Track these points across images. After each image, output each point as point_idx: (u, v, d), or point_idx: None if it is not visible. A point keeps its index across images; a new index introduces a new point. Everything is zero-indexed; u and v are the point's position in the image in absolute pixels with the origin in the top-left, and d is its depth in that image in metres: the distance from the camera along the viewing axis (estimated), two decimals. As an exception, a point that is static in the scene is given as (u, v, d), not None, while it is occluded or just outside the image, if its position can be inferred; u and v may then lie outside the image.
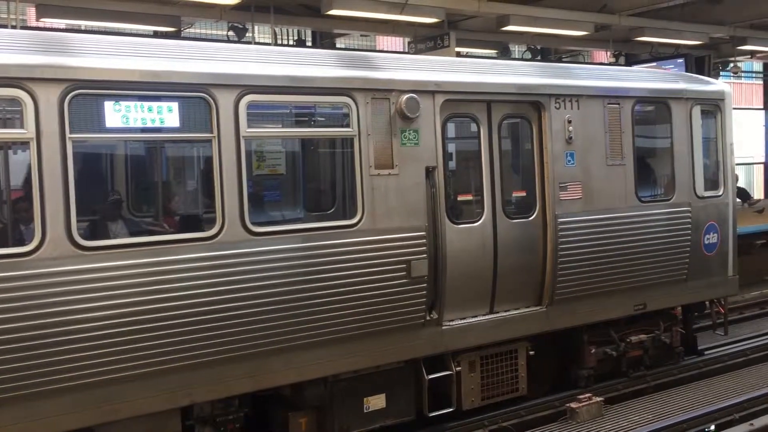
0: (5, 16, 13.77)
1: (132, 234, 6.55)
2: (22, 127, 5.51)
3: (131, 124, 5.94)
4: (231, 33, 14.84)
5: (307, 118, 7.59)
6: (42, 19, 13.44)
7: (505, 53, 19.79)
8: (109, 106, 5.82)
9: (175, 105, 6.07)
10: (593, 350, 8.93)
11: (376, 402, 7.33)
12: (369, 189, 7.02)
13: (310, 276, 6.66)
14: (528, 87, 8.14)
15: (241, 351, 6.36)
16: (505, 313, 8.08)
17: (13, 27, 11.91)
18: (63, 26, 14.35)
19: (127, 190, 7.60)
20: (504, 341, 8.12)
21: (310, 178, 8.15)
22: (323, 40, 18.00)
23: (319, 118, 7.61)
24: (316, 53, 7.56)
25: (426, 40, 16.53)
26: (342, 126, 7.08)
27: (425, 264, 7.30)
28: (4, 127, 5.71)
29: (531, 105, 8.22)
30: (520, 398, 8.39)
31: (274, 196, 7.76)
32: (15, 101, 5.50)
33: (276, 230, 6.63)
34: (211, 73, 6.22)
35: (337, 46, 18.22)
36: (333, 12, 14.17)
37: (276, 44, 15.02)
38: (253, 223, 6.38)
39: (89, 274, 5.66)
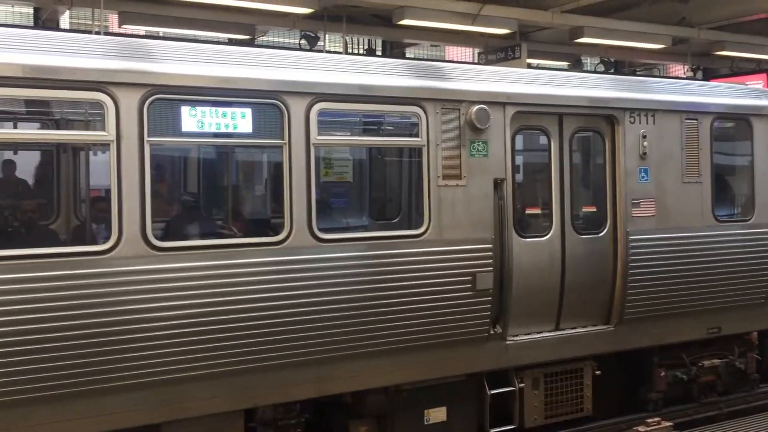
0: (89, 22, 14.34)
1: (203, 236, 6.67)
2: (103, 129, 5.69)
3: (206, 129, 6.06)
4: (303, 41, 15.05)
5: (376, 127, 7.61)
6: (124, 26, 13.90)
7: (577, 65, 19.47)
8: (185, 110, 5.96)
9: (248, 111, 6.17)
10: (663, 373, 8.63)
11: (437, 415, 7.26)
12: (436, 199, 6.98)
13: (374, 284, 6.65)
14: (601, 100, 7.97)
15: (305, 357, 6.39)
16: (571, 331, 7.90)
17: (97, 33, 12.34)
18: (143, 33, 14.81)
19: (199, 193, 7.76)
20: (569, 359, 7.94)
21: (377, 187, 8.16)
22: (393, 50, 18.08)
23: (387, 127, 7.62)
24: (387, 62, 7.57)
25: (497, 51, 16.41)
26: (411, 135, 7.07)
27: (491, 277, 7.20)
28: (86, 129, 5.91)
29: (604, 119, 8.05)
30: (584, 418, 8.18)
31: (340, 204, 7.79)
32: (97, 104, 5.68)
33: (342, 237, 6.66)
34: (283, 80, 6.30)
35: (407, 55, 18.27)
36: (404, 22, 14.21)
37: (347, 53, 15.16)
38: (320, 230, 6.42)
39: (162, 274, 5.78)
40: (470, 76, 7.39)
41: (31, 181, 7.46)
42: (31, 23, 14.59)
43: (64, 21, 15.60)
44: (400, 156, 7.79)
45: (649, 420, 7.96)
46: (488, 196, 7.25)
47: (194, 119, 5.97)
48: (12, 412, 5.34)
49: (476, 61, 18.36)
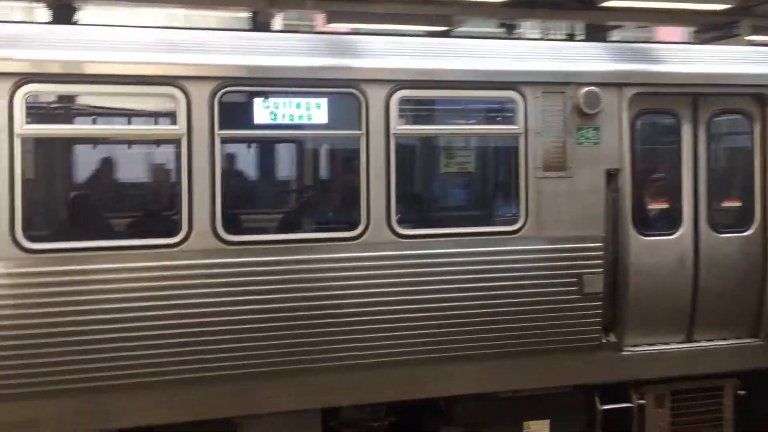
0: (296, 22, 15.01)
1: (275, 231, 6.55)
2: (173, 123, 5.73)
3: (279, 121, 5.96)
4: (501, 30, 14.68)
5: (466, 114, 7.08)
6: (329, 24, 14.42)
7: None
8: (258, 102, 5.90)
9: (323, 101, 5.98)
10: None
11: (538, 428, 6.63)
12: (534, 193, 6.36)
13: (462, 284, 6.19)
14: (748, 77, 6.85)
15: (385, 357, 6.09)
16: (707, 343, 6.89)
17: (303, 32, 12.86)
18: (347, 30, 15.29)
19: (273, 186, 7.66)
20: (704, 375, 6.93)
21: (465, 179, 7.65)
22: (596, 33, 17.10)
23: (478, 114, 7.06)
24: (481, 45, 7.00)
25: (712, 29, 14.89)
26: (505, 123, 6.50)
27: (600, 279, 6.45)
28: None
29: (753, 98, 6.91)
30: (724, 444, 7.13)
31: (424, 198, 7.36)
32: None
33: (424, 233, 6.26)
34: (360, 68, 6.03)
35: (612, 38, 17.22)
36: (608, 4, 13.29)
37: (546, 39, 14.56)
38: (401, 225, 6.08)
39: (232, 268, 5.76)
40: (579, 55, 6.65)
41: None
42: (246, 26, 15.33)
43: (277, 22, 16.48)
44: (493, 145, 7.21)
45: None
46: (599, 188, 6.49)
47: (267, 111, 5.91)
48: None
49: (689, 41, 16.85)
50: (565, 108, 6.39)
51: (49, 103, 6.10)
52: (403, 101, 6.12)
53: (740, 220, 7.01)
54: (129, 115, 6.30)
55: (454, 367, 6.25)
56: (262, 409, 5.95)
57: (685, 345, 6.86)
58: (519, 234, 6.32)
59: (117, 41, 5.78)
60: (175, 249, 5.66)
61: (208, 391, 5.76)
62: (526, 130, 6.32)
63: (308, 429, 6.18)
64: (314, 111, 5.98)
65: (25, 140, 5.41)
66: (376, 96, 5.99)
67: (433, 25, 14.10)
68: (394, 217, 6.03)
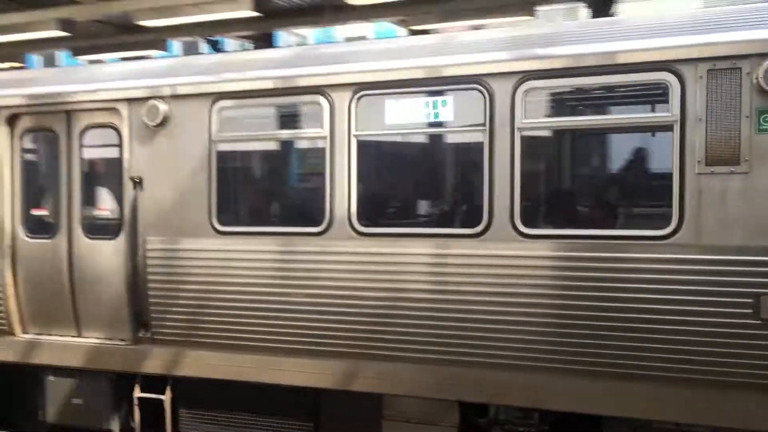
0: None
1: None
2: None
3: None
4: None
5: (602, 103, 6.02)
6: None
7: None
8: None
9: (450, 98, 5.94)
10: None
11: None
12: (694, 192, 5.28)
13: (592, 292, 5.52)
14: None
15: (510, 360, 5.85)
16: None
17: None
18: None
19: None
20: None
21: (599, 175, 6.38)
22: None
23: (618, 102, 5.95)
24: (605, 23, 5.84)
25: None
26: (653, 111, 5.48)
27: None
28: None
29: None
30: None
31: (549, 196, 6.43)
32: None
33: (549, 234, 5.73)
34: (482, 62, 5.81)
35: None
36: None
37: None
38: (524, 224, 5.73)
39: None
40: (752, 20, 5.22)
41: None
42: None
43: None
44: (638, 136, 5.97)
45: None
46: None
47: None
48: None
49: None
50: (740, 88, 5.14)
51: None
52: (532, 93, 5.71)
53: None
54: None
55: (591, 383, 5.62)
56: (399, 390, 6.21)
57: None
58: (669, 240, 5.32)
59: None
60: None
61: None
62: (683, 117, 5.26)
63: (445, 419, 6.29)
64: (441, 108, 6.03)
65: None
66: (501, 90, 5.74)
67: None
68: (518, 216, 5.74)
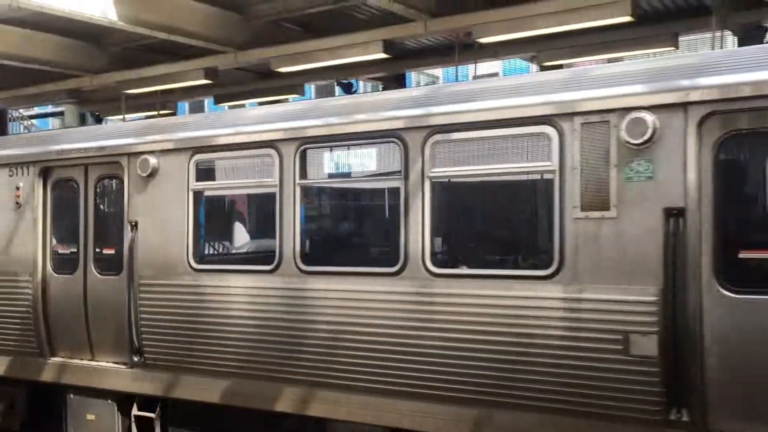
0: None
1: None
2: None
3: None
4: None
5: (496, 154, 6.41)
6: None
7: None
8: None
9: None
10: None
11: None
12: (572, 235, 5.70)
13: (489, 327, 6.00)
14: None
15: (427, 390, 6.37)
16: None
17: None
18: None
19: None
20: None
21: (496, 220, 6.70)
22: None
23: (509, 153, 6.33)
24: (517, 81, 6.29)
25: None
26: (537, 161, 5.94)
27: (653, 341, 5.38)
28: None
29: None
30: None
31: (453, 238, 6.81)
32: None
33: (453, 273, 6.26)
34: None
35: None
36: None
37: None
38: (433, 264, 6.29)
39: None
40: (623, 79, 5.60)
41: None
42: None
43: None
44: (526, 185, 6.34)
45: None
46: (654, 231, 5.39)
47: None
48: None
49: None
50: (609, 139, 5.56)
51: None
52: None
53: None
54: None
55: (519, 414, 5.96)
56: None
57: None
58: (551, 280, 5.78)
59: None
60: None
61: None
62: (561, 167, 5.75)
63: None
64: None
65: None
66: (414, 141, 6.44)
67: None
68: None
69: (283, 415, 7.21)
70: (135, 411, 8.37)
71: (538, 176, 6.09)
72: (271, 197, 7.24)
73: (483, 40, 12.87)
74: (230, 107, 18.22)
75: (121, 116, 17.91)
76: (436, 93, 6.93)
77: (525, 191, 6.49)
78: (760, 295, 5.20)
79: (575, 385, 5.66)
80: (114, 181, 8.53)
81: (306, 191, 7.20)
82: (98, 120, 19.89)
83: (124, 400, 8.51)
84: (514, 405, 5.90)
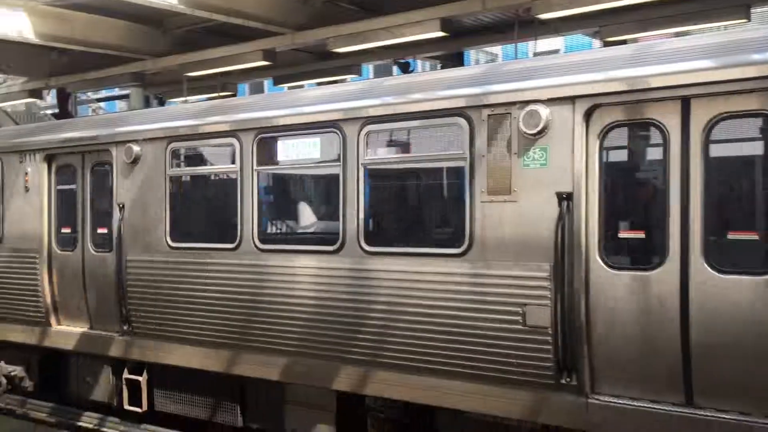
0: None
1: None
2: None
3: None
4: None
5: (417, 143, 6.95)
6: None
7: None
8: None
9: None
10: None
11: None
12: (480, 217, 6.28)
13: (412, 300, 6.66)
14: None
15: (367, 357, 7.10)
16: (709, 414, 5.41)
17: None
18: None
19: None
20: None
21: (418, 203, 7.22)
22: None
23: (430, 142, 6.87)
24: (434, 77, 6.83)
25: None
26: (453, 149, 6.50)
27: (546, 313, 5.94)
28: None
29: None
30: None
31: (382, 220, 7.39)
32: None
33: (383, 251, 6.89)
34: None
35: None
36: None
37: None
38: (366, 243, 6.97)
39: None
40: (523, 74, 6.12)
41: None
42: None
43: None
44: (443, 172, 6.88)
45: None
46: (546, 214, 5.94)
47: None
48: None
49: None
50: (510, 129, 6.11)
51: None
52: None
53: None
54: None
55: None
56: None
57: (680, 409, 5.58)
58: (464, 257, 6.40)
59: None
60: None
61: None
62: (471, 155, 6.35)
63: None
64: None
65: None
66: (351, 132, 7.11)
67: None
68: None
69: (243, 378, 8.03)
70: (126, 374, 9.29)
71: (453, 163, 6.67)
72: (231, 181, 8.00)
73: (543, 16, 12.14)
74: (289, 88, 18.14)
75: (183, 98, 18.15)
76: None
77: (444, 177, 7.09)
78: (638, 271, 5.72)
79: (482, 353, 6.26)
80: (106, 167, 9.38)
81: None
82: (161, 102, 20.10)
83: (117, 365, 9.43)
84: (430, 371, 6.54)
